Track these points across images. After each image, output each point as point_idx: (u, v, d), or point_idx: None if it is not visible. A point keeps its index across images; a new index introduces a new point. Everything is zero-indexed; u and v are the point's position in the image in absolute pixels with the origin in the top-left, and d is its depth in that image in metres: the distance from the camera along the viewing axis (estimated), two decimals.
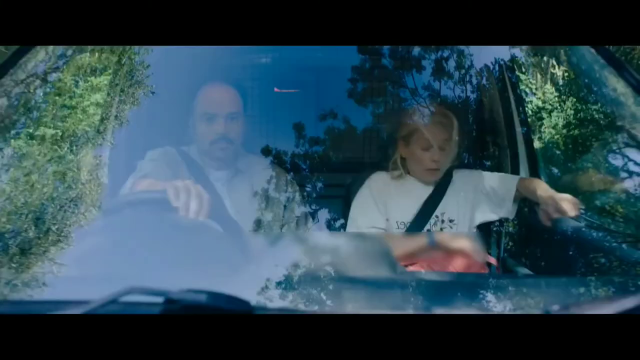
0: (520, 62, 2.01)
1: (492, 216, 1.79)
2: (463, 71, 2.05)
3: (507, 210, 1.74)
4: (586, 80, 1.74)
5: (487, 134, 2.06)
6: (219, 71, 1.86)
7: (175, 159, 1.67)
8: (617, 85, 1.41)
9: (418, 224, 1.74)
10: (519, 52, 1.92)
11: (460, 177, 1.83)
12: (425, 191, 1.80)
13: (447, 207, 1.77)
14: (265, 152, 1.95)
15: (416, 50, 2.01)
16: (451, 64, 2.04)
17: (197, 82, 1.70)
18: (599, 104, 1.64)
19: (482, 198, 1.78)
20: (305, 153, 2.05)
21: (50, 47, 1.51)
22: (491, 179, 1.80)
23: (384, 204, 1.76)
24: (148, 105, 1.70)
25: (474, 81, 2.06)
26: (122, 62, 1.69)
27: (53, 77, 1.55)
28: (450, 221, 1.76)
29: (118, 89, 1.67)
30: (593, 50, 1.49)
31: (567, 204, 1.47)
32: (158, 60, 1.71)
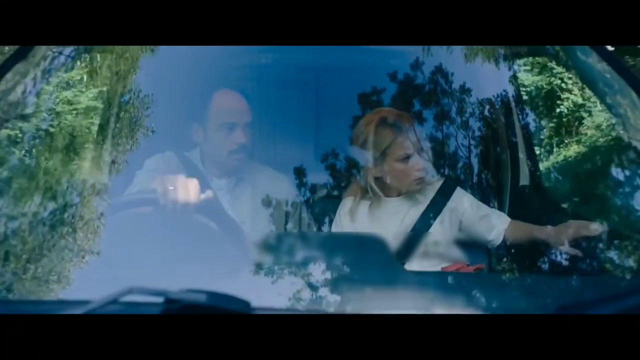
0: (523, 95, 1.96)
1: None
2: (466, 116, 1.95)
3: (492, 246, 1.53)
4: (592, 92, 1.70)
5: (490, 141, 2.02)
6: (218, 72, 1.85)
7: (174, 166, 1.63)
8: (621, 101, 1.39)
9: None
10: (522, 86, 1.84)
11: (456, 201, 1.59)
12: (405, 211, 1.57)
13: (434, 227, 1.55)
14: (268, 156, 1.92)
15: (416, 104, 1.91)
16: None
17: (197, 83, 1.69)
18: (603, 121, 1.61)
19: (469, 232, 1.55)
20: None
21: (49, 50, 1.51)
22: (481, 221, 1.54)
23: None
24: (148, 112, 1.69)
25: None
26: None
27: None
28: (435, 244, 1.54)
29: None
30: (600, 66, 1.45)
31: (586, 230, 1.31)
32: (157, 60, 1.70)
